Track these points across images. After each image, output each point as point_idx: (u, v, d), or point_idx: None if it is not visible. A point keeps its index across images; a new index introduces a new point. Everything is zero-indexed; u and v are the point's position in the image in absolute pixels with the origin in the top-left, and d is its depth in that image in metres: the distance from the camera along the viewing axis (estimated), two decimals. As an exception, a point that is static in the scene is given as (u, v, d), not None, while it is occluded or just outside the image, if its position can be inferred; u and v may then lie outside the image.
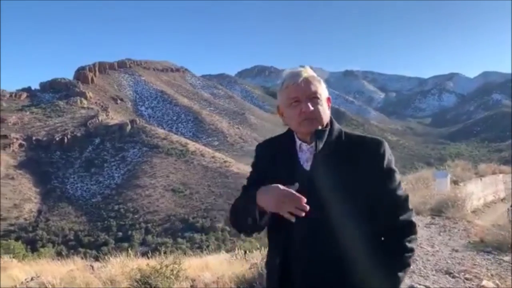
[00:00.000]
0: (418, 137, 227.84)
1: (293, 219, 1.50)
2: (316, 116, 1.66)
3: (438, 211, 8.20)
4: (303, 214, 1.48)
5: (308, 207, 1.48)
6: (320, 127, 1.67)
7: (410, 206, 1.70)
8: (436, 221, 7.68)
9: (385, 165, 1.66)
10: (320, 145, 1.66)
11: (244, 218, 1.65)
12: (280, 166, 1.71)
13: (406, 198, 1.69)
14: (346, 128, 1.76)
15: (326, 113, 1.70)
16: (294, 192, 1.51)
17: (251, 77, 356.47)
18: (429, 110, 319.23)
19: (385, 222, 1.65)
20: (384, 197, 1.66)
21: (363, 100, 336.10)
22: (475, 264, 5.28)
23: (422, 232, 6.87)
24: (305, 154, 1.70)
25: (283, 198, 1.51)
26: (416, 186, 10.59)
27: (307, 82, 1.68)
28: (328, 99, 1.75)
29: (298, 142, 1.72)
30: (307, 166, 1.67)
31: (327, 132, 1.69)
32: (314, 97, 1.67)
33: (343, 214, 1.58)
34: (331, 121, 1.73)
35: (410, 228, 1.67)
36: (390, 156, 1.69)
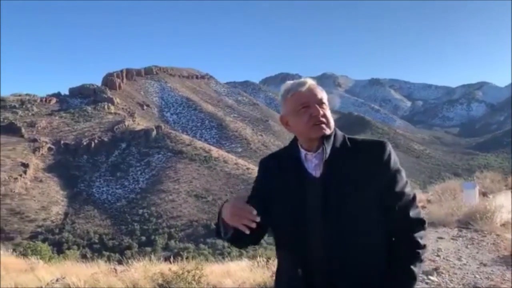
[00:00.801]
0: (445, 147, 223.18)
1: (247, 231, 1.51)
2: (326, 120, 1.70)
3: (465, 223, 7.96)
4: (254, 225, 1.50)
5: (258, 218, 1.50)
6: (328, 132, 1.69)
7: (418, 204, 1.74)
8: (464, 234, 7.46)
9: (391, 165, 1.69)
10: (328, 150, 1.68)
11: (219, 233, 1.72)
12: (287, 178, 1.73)
13: (414, 196, 1.73)
14: (365, 137, 1.80)
15: (332, 120, 1.74)
16: (244, 204, 1.54)
17: (275, 85, 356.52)
18: (457, 119, 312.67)
19: (397, 220, 1.68)
20: (394, 196, 1.68)
21: (389, 108, 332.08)
22: (504, 279, 5.09)
23: (448, 245, 6.69)
24: (312, 162, 1.71)
25: (235, 211, 1.54)
26: (443, 197, 10.33)
27: (314, 89, 1.73)
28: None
29: (303, 152, 1.74)
30: (316, 173, 1.69)
31: (332, 138, 1.72)
32: (322, 103, 1.71)
33: (357, 217, 1.62)
34: (334, 129, 1.77)
35: (420, 224, 1.70)
36: (395, 157, 1.72)
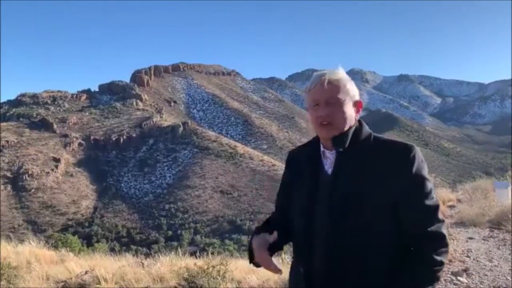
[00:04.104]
0: (476, 145, 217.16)
1: (279, 273, 1.69)
2: (331, 121, 1.62)
3: (497, 223, 7.73)
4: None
5: (281, 273, 1.68)
6: (337, 133, 1.63)
7: (441, 217, 1.60)
8: (495, 234, 7.25)
9: (413, 172, 1.56)
10: (340, 150, 1.64)
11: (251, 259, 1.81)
12: (304, 173, 1.73)
13: (435, 208, 1.59)
14: (393, 135, 1.68)
15: (346, 118, 1.64)
16: (267, 258, 1.68)
17: (301, 81, 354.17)
18: (489, 117, 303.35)
19: (411, 232, 1.57)
20: (410, 205, 1.57)
21: (418, 105, 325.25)
22: (538, 282, 4.92)
23: (479, 245, 6.51)
24: (329, 160, 1.68)
25: (260, 261, 1.71)
26: (474, 197, 10.06)
27: (327, 85, 1.64)
28: (358, 103, 1.68)
29: (322, 148, 1.71)
30: (329, 171, 1.66)
31: (349, 137, 1.64)
32: (331, 102, 1.63)
33: (362, 221, 1.56)
34: (360, 125, 1.68)
35: (438, 240, 1.57)
36: (421, 163, 1.59)
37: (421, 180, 1.58)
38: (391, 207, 1.56)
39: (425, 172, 1.60)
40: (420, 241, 1.56)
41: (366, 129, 1.68)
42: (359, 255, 1.56)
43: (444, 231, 1.59)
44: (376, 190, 1.55)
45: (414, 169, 1.56)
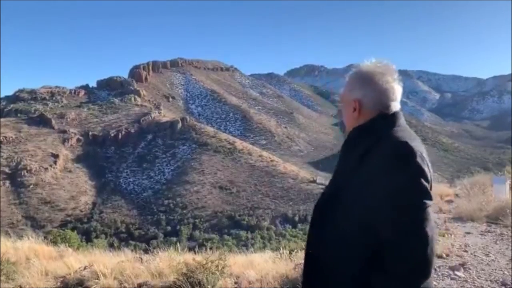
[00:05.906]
0: (475, 141, 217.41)
1: None
2: (343, 120, 1.62)
3: (495, 218, 7.77)
4: None
5: None
6: (345, 131, 1.59)
7: (421, 247, 1.24)
8: (493, 229, 7.29)
9: (396, 182, 1.27)
10: (341, 149, 1.60)
11: None
12: None
13: (409, 228, 1.24)
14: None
15: (348, 116, 1.58)
16: None
17: (300, 77, 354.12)
18: (488, 112, 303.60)
19: (385, 252, 1.30)
20: (379, 221, 1.29)
21: (417, 100, 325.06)
22: (535, 277, 4.95)
23: (476, 240, 6.55)
24: None
25: None
26: (472, 192, 10.11)
27: (345, 84, 1.62)
28: (354, 101, 1.54)
29: None
30: None
31: (351, 136, 1.55)
32: (340, 101, 1.64)
33: (338, 225, 1.39)
34: (382, 119, 1.49)
35: (400, 268, 1.25)
36: (409, 172, 1.29)
37: (401, 193, 1.27)
38: (367, 221, 1.32)
39: (416, 185, 1.28)
40: (384, 265, 1.28)
41: (384, 125, 1.47)
42: (325, 267, 1.41)
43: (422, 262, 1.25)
44: (356, 198, 1.35)
45: (398, 179, 1.28)
